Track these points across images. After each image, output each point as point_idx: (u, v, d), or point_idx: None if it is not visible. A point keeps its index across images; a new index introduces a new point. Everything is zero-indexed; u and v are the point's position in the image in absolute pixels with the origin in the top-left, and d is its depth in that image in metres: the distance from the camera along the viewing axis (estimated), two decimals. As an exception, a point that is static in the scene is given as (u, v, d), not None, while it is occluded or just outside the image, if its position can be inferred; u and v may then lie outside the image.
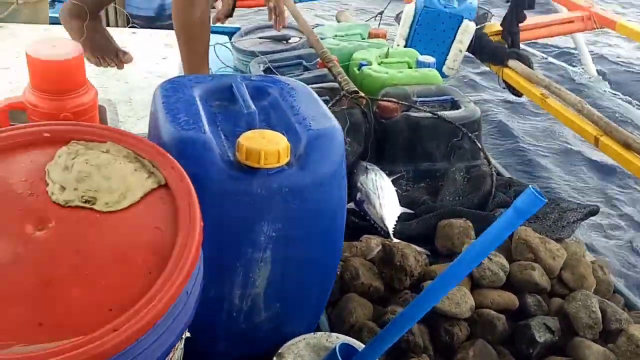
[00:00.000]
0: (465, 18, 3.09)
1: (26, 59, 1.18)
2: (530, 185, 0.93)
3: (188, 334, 0.85)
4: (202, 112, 1.00)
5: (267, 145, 0.91)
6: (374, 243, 1.45)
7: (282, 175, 0.93)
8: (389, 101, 1.95)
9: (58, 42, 1.22)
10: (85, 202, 0.70)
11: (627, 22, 3.71)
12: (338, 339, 1.12)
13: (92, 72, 1.29)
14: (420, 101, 2.01)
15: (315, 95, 1.13)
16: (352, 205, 1.63)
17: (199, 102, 1.04)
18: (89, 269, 0.64)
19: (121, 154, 0.77)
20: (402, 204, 1.66)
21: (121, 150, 0.77)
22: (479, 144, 1.88)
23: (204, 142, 0.93)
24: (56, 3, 3.63)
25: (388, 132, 1.92)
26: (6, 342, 0.57)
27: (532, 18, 3.67)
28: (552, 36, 3.90)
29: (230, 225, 0.95)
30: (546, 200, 0.91)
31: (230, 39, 2.73)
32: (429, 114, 1.91)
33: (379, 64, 2.27)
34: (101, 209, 0.69)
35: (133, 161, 0.76)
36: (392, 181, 1.74)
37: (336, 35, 2.69)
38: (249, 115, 1.01)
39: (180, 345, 0.83)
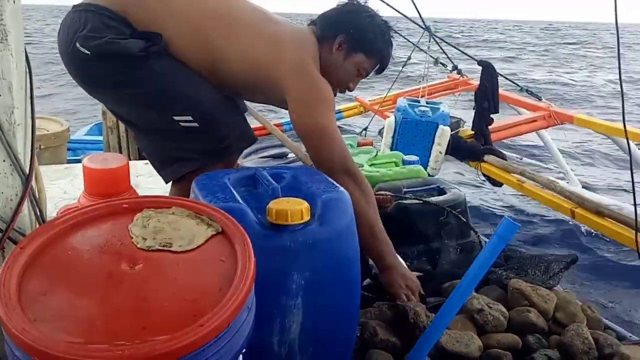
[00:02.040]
0: (440, 124, 3.47)
1: (82, 169, 1.44)
2: (504, 216, 1.16)
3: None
4: (234, 192, 1.24)
5: (292, 207, 1.14)
6: (385, 307, 1.62)
7: (306, 230, 1.15)
8: (382, 194, 2.20)
9: (108, 155, 1.49)
10: (163, 246, 0.91)
11: (583, 115, 4.14)
12: (366, 381, 1.26)
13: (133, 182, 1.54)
14: (409, 191, 2.27)
15: (322, 174, 1.38)
16: (368, 280, 1.81)
17: (230, 187, 1.28)
18: (174, 290, 0.84)
19: (184, 214, 0.99)
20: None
21: (184, 211, 0.99)
22: (463, 219, 2.11)
23: (240, 209, 1.15)
24: (69, 151, 4.02)
25: (385, 221, 2.15)
26: (120, 343, 0.75)
27: (499, 120, 4.11)
28: (520, 134, 4.30)
29: (267, 277, 1.13)
30: (519, 226, 1.13)
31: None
32: (416, 200, 2.16)
33: (370, 166, 2.56)
34: (176, 249, 0.90)
35: (194, 218, 0.98)
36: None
37: (327, 149, 2.99)
38: (272, 190, 1.25)
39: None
